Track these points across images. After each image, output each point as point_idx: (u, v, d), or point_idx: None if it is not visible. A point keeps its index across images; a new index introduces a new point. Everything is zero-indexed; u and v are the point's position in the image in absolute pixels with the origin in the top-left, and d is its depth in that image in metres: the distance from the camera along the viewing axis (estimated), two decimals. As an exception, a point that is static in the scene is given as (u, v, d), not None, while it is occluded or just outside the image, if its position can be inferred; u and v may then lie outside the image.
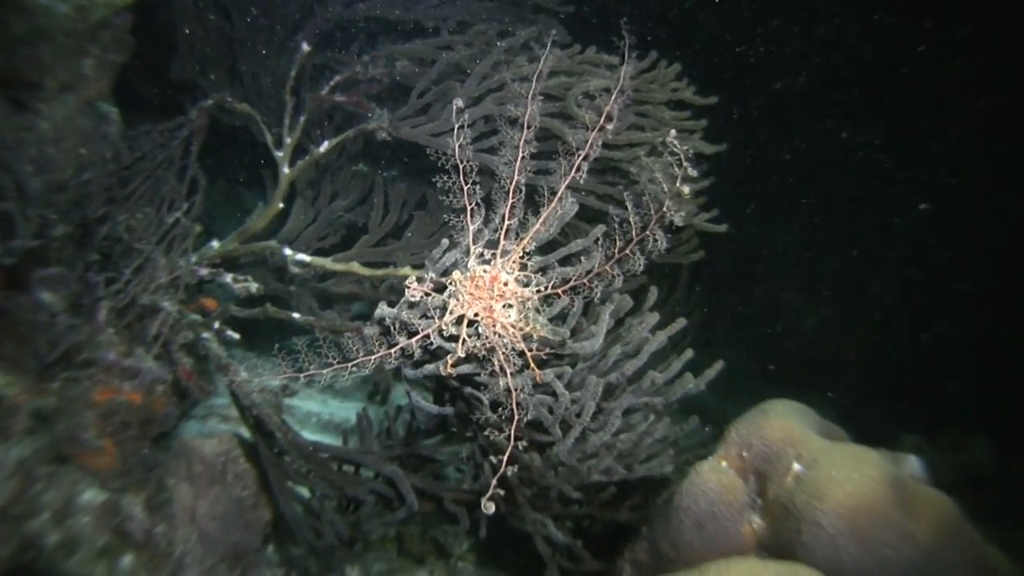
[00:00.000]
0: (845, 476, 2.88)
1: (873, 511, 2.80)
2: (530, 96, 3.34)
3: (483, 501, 2.96)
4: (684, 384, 3.75)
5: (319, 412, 6.63)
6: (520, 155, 3.29)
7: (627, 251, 3.21)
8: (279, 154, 5.31)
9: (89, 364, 4.45)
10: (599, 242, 3.32)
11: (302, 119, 5.35)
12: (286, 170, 5.30)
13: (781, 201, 9.69)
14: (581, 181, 3.30)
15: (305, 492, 4.75)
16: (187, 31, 6.38)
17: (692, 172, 3.10)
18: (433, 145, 3.24)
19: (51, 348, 4.32)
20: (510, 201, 3.27)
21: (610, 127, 3.32)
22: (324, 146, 5.33)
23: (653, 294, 3.87)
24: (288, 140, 5.31)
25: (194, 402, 5.03)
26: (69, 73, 5.05)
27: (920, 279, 9.82)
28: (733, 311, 9.65)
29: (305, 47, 5.49)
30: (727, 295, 9.02)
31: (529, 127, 3.34)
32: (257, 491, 4.67)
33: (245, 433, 4.93)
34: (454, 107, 3.33)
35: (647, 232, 3.15)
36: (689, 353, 3.81)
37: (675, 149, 3.08)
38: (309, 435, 4.77)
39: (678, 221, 3.11)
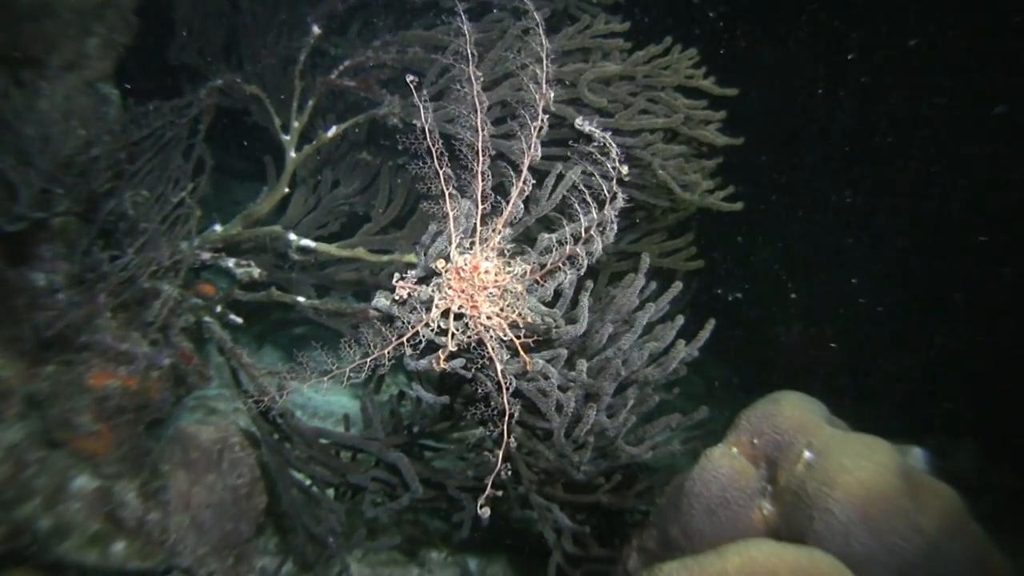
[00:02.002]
0: (856, 464, 2.87)
1: (884, 500, 2.80)
2: (471, 71, 3.28)
3: (479, 504, 2.93)
4: (676, 352, 3.71)
5: (304, 404, 6.59)
6: (481, 135, 3.22)
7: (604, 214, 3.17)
8: (286, 138, 5.26)
9: (85, 348, 4.41)
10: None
11: (310, 103, 5.30)
12: (292, 154, 5.26)
13: (764, 211, 9.69)
14: (538, 159, 3.22)
15: (305, 479, 4.72)
16: (186, 13, 6.34)
17: (615, 153, 3.08)
18: (448, 131, 3.21)
19: (48, 326, 4.28)
20: (480, 185, 3.21)
21: (552, 96, 3.25)
22: (332, 131, 5.29)
23: (645, 262, 3.80)
24: (296, 124, 5.26)
25: (191, 388, 4.98)
26: (73, 52, 5.01)
27: (903, 287, 9.84)
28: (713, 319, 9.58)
29: (316, 29, 5.44)
30: (707, 303, 9.00)
31: (481, 104, 3.27)
32: (253, 479, 4.64)
33: (241, 421, 4.89)
34: (410, 81, 3.29)
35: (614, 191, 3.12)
36: (680, 319, 3.77)
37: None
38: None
39: (624, 170, 3.07)
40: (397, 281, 3.16)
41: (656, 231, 5.84)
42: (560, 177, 3.47)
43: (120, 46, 5.28)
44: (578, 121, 3.13)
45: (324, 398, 6.74)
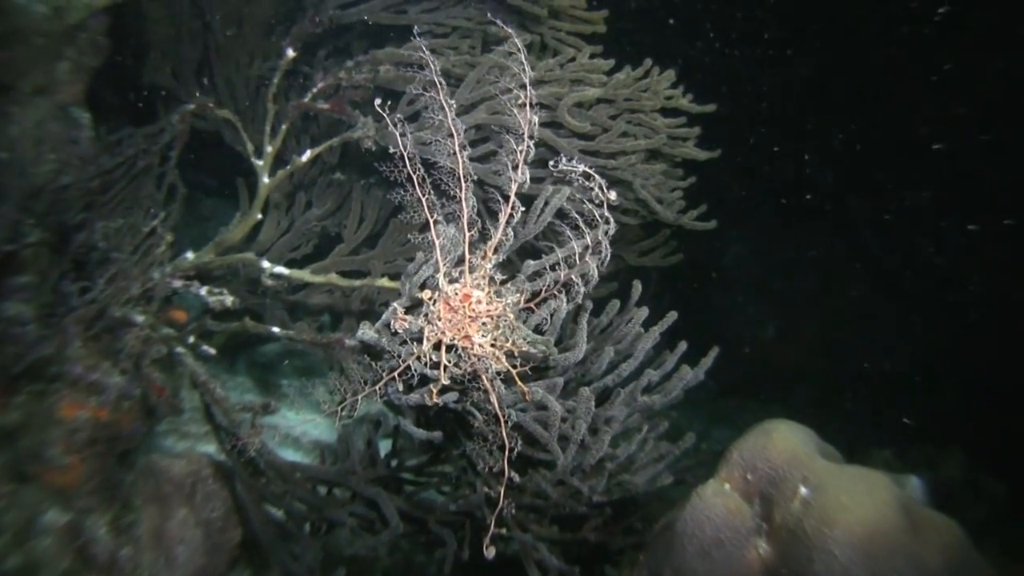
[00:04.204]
0: (855, 501, 2.82)
1: (886, 538, 2.74)
2: (441, 95, 3.21)
3: (485, 545, 2.88)
4: (682, 377, 3.64)
5: (277, 424, 6.50)
6: (460, 162, 3.17)
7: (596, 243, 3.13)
8: (259, 163, 5.15)
9: (56, 378, 4.32)
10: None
11: (283, 127, 5.21)
12: (265, 180, 5.15)
13: (737, 210, 9.70)
14: (527, 185, 3.16)
15: (280, 514, 4.63)
16: (158, 35, 6.24)
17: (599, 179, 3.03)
18: (424, 154, 3.14)
19: (18, 360, 4.18)
20: (465, 212, 3.15)
21: (536, 120, 3.20)
22: (306, 155, 5.18)
23: (638, 289, 3.77)
24: (269, 149, 5.16)
25: (162, 418, 4.90)
26: (44, 76, 4.92)
27: (880, 287, 9.87)
28: (687, 321, 9.55)
29: (290, 52, 5.33)
30: (681, 305, 8.91)
31: (458, 131, 3.21)
32: (226, 512, 4.54)
33: (213, 451, 4.80)
34: (378, 106, 3.24)
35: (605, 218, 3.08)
36: (683, 345, 3.72)
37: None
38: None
39: (612, 196, 3.02)
40: (396, 318, 3.09)
41: (630, 231, 5.91)
42: (547, 200, 3.41)
43: (91, 69, 5.19)
44: (551, 164, 3.06)
45: (297, 415, 6.68)
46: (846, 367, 9.72)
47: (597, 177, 3.00)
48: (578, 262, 3.15)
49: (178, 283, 5.02)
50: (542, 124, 4.79)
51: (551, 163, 3.04)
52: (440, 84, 3.20)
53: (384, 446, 4.65)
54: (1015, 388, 7.94)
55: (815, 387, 9.52)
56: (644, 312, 3.69)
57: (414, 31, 3.45)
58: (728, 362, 3.75)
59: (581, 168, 3.01)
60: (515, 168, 3.16)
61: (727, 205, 6.06)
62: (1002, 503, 7.41)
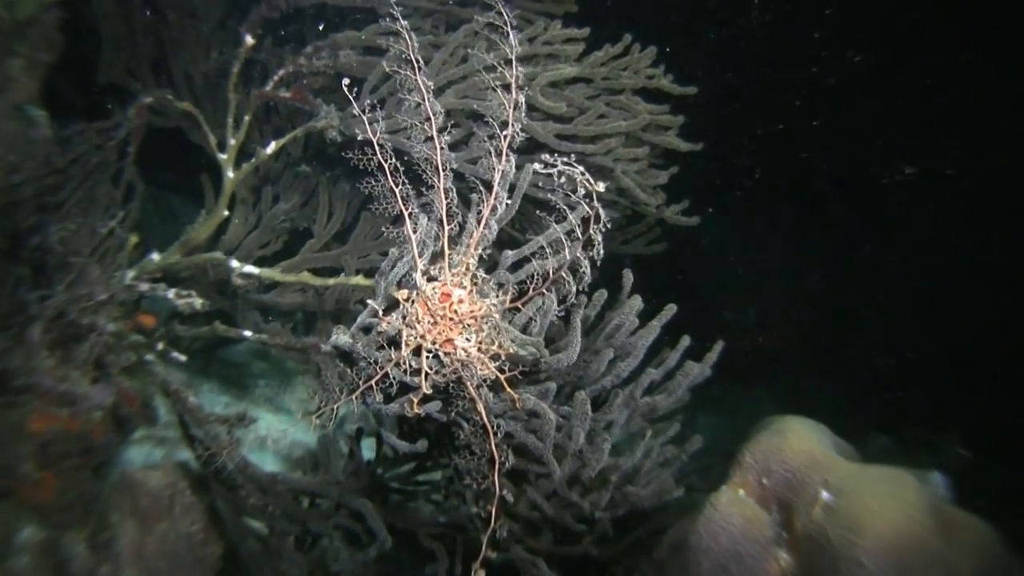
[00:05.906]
0: (881, 504, 2.64)
1: (917, 544, 2.56)
2: (419, 75, 3.01)
3: (474, 569, 2.71)
4: (688, 372, 3.47)
5: (255, 429, 6.32)
6: (438, 148, 2.98)
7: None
8: (223, 157, 4.94)
9: (24, 390, 4.19)
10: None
11: (247, 118, 4.99)
12: (230, 174, 4.94)
13: (715, 195, 9.58)
14: (511, 173, 2.98)
15: (262, 528, 4.46)
16: (112, 29, 6.00)
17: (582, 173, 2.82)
18: (391, 143, 2.94)
19: (-22, 373, 4.05)
20: (443, 203, 2.95)
21: (523, 99, 3.00)
22: (270, 147, 4.98)
23: (629, 278, 3.54)
24: (232, 141, 4.95)
25: (134, 429, 4.77)
26: (-4, 74, 4.71)
27: (861, 270, 9.80)
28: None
29: (248, 39, 5.10)
30: (663, 290, 8.85)
31: (436, 115, 3.02)
32: (206, 525, 4.38)
33: (189, 460, 4.67)
34: (345, 86, 3.08)
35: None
36: (686, 340, 3.53)
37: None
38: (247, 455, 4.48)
39: (600, 187, 2.79)
40: (379, 319, 2.88)
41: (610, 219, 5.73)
42: (515, 183, 3.19)
43: (45, 66, 4.97)
44: (537, 166, 2.85)
45: (273, 418, 6.51)
46: (828, 351, 9.64)
47: (579, 167, 2.79)
48: (565, 249, 2.93)
49: (145, 286, 4.84)
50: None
51: (537, 163, 2.82)
52: (416, 61, 3.00)
53: (368, 445, 4.47)
54: (1004, 370, 7.87)
55: (798, 371, 9.43)
56: (638, 302, 3.45)
57: (392, 6, 3.18)
58: (710, 347, 3.54)
59: (563, 160, 2.79)
60: (499, 155, 2.94)
61: (706, 190, 5.95)
62: (1001, 487, 7.30)
